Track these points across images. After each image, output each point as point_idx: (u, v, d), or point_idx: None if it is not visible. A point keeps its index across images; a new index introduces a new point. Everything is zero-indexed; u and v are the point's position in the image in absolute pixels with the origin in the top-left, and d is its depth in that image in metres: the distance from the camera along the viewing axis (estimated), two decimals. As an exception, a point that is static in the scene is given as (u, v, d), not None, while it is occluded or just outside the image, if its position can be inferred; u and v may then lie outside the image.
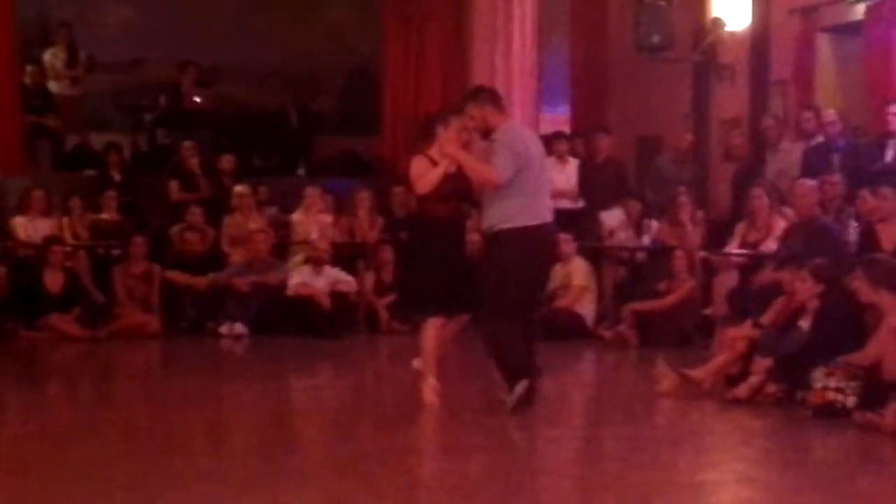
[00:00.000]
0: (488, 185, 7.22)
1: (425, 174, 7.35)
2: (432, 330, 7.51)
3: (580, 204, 12.48)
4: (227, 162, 13.36)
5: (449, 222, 7.45)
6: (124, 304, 11.56)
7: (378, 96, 16.46)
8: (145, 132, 15.66)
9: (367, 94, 16.96)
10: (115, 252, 12.14)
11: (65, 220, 12.33)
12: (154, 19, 16.76)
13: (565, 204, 12.51)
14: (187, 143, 13.54)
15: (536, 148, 7.48)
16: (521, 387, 7.21)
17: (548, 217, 7.40)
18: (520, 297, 7.31)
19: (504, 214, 7.24)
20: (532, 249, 7.30)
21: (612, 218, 11.95)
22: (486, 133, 7.37)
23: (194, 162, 13.22)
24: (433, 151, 7.41)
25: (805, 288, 7.70)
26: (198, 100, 15.15)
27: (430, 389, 7.52)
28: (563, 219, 12.13)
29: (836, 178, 9.87)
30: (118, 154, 13.61)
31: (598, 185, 12.20)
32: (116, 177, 13.27)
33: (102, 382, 9.60)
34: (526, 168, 7.23)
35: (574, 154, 12.86)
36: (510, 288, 7.27)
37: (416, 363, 7.81)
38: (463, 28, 15.78)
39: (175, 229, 12.42)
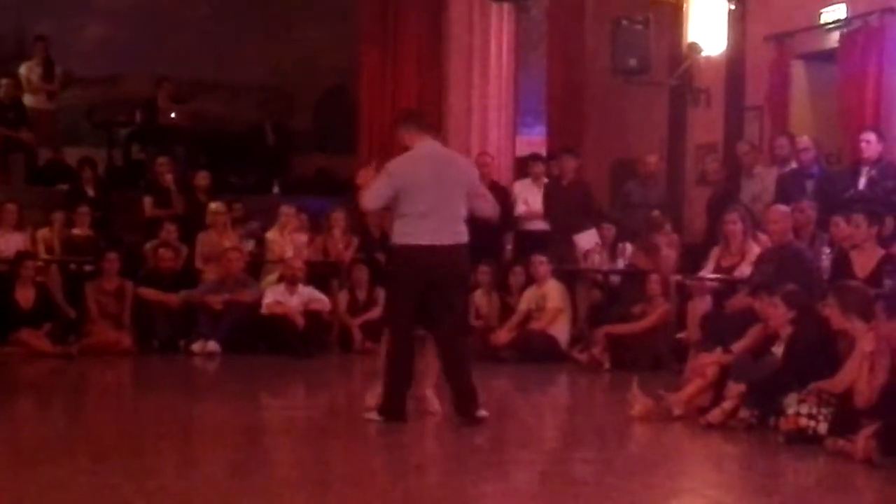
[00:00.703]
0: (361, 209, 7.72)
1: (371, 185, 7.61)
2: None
3: (543, 225, 12.52)
4: (202, 178, 13.34)
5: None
6: (96, 320, 11.50)
7: (354, 115, 16.47)
8: (120, 147, 15.61)
9: (343, 113, 16.97)
10: (88, 268, 12.09)
11: (43, 231, 12.28)
12: (130, 35, 16.75)
13: (540, 226, 12.56)
14: (162, 159, 13.52)
15: (436, 171, 7.47)
16: (374, 417, 7.56)
17: (447, 239, 7.43)
18: (406, 314, 7.48)
19: (397, 231, 7.51)
20: (419, 268, 7.41)
21: (585, 240, 11.97)
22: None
23: (169, 178, 13.19)
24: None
25: (777, 314, 7.73)
26: (173, 116, 15.13)
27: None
28: (539, 240, 12.22)
29: (809, 204, 9.92)
30: (92, 169, 13.57)
31: (566, 206, 12.22)
32: (90, 192, 13.23)
33: (73, 399, 9.53)
34: (412, 191, 7.37)
35: (549, 176, 12.89)
36: (396, 303, 7.57)
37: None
38: (439, 48, 15.81)
39: (148, 246, 12.38)
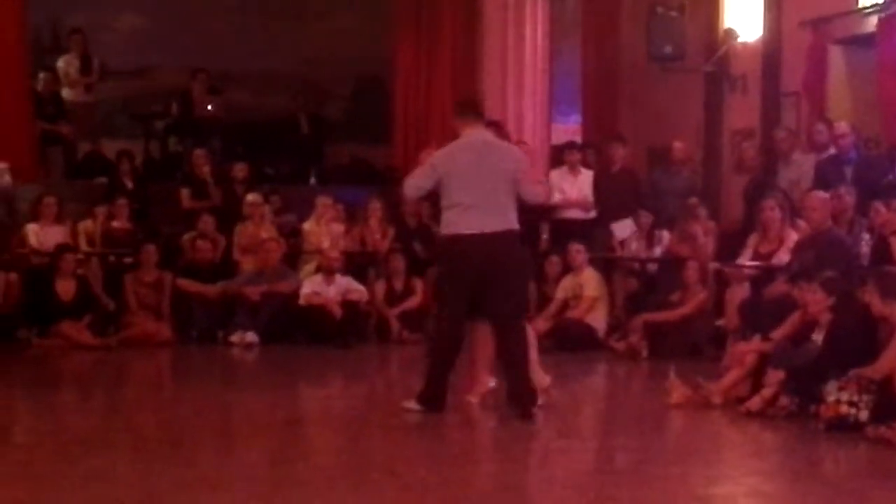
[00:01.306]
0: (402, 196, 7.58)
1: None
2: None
3: (592, 214, 12.48)
4: (239, 170, 13.38)
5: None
6: (135, 312, 11.57)
7: (388, 103, 16.48)
8: (157, 140, 15.68)
9: (378, 102, 16.98)
10: (127, 260, 12.16)
11: (85, 223, 12.36)
12: (165, 26, 16.80)
13: (576, 214, 12.52)
14: (199, 151, 13.58)
15: (479, 160, 7.43)
16: (414, 406, 7.54)
17: (496, 226, 7.33)
18: (455, 305, 7.44)
19: (444, 222, 7.53)
20: (467, 257, 7.35)
21: (622, 229, 11.94)
22: None
23: (206, 170, 13.24)
24: None
25: (816, 300, 7.69)
26: (209, 108, 15.18)
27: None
28: (575, 229, 12.19)
29: (848, 190, 9.85)
30: (130, 162, 13.62)
31: (612, 195, 12.18)
32: (128, 185, 13.29)
33: (113, 390, 9.60)
34: (454, 180, 7.37)
35: (585, 164, 12.84)
36: (446, 294, 7.55)
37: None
38: (474, 36, 15.78)
39: (186, 237, 12.44)
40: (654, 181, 12.61)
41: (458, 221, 7.36)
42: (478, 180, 7.35)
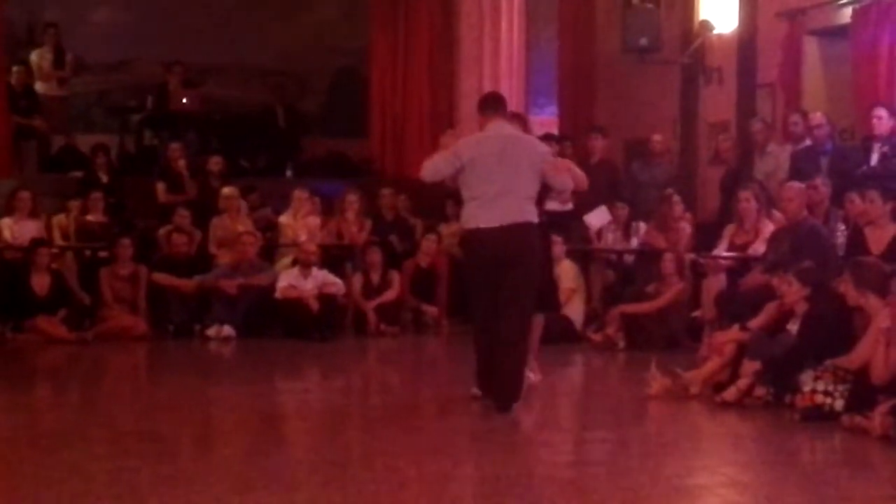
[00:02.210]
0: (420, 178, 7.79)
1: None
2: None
3: (569, 206, 12.44)
4: (214, 164, 13.36)
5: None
6: (111, 306, 11.52)
7: (365, 96, 16.45)
8: (132, 133, 15.62)
9: (355, 95, 16.95)
10: (102, 254, 12.10)
11: (59, 218, 12.31)
12: (141, 20, 16.74)
13: (553, 206, 12.49)
14: (174, 145, 13.53)
15: (501, 152, 7.51)
16: (477, 392, 7.68)
17: (515, 218, 7.45)
18: (481, 295, 7.54)
19: (466, 216, 7.66)
20: (489, 249, 7.46)
21: (596, 218, 11.92)
22: None
23: (181, 163, 13.20)
24: None
25: (791, 291, 7.72)
26: (185, 101, 15.12)
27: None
28: (552, 221, 12.17)
29: (823, 181, 9.89)
30: (105, 155, 13.56)
31: (591, 187, 12.11)
32: (103, 178, 13.23)
33: (89, 385, 9.55)
34: (475, 170, 7.48)
35: (563, 156, 12.81)
36: (472, 286, 7.68)
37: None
38: (450, 29, 15.77)
39: (162, 231, 12.39)
40: (633, 173, 12.63)
41: (478, 215, 7.49)
42: (499, 172, 7.45)
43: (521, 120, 8.37)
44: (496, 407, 7.41)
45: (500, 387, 7.46)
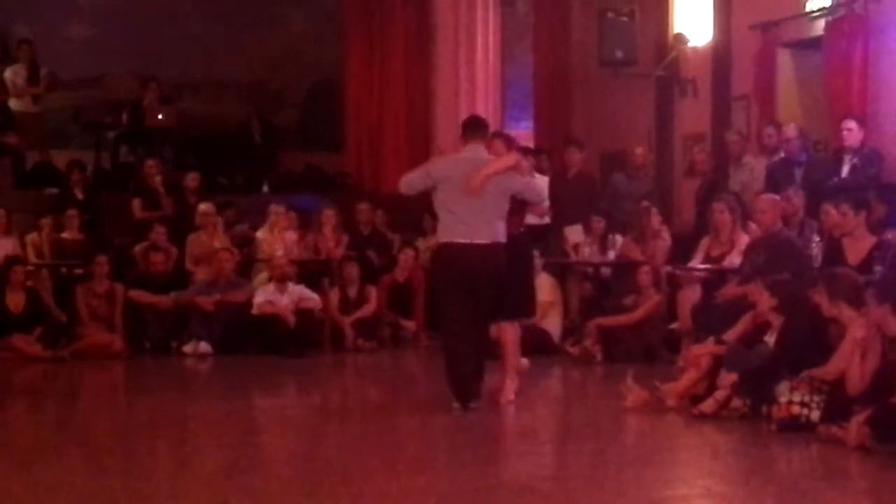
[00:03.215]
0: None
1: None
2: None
3: (546, 220, 12.48)
4: (191, 180, 13.33)
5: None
6: (87, 323, 11.46)
7: (341, 110, 16.44)
8: (108, 150, 15.56)
9: (331, 109, 16.95)
10: (78, 271, 12.04)
11: (32, 235, 12.25)
12: (115, 35, 16.69)
13: (531, 219, 12.51)
14: (150, 161, 13.50)
15: (465, 175, 7.90)
16: (456, 405, 7.91)
17: (482, 238, 7.86)
18: (451, 307, 7.96)
19: (439, 231, 8.17)
20: (457, 264, 7.90)
21: (574, 233, 11.96)
22: None
23: (157, 180, 13.16)
24: None
25: (762, 300, 7.76)
26: (161, 117, 15.09)
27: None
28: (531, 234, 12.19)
29: (796, 192, 9.94)
30: (81, 172, 13.53)
31: (568, 200, 12.16)
32: (79, 195, 13.19)
33: (65, 402, 9.51)
34: (446, 188, 7.94)
35: (539, 170, 12.85)
36: (441, 297, 8.16)
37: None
38: (426, 42, 15.80)
39: (138, 248, 12.34)
40: (614, 185, 12.64)
41: (450, 230, 7.96)
42: (461, 192, 7.88)
43: (504, 139, 8.74)
44: (459, 405, 7.85)
45: (462, 387, 7.91)
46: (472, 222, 7.86)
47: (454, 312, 7.95)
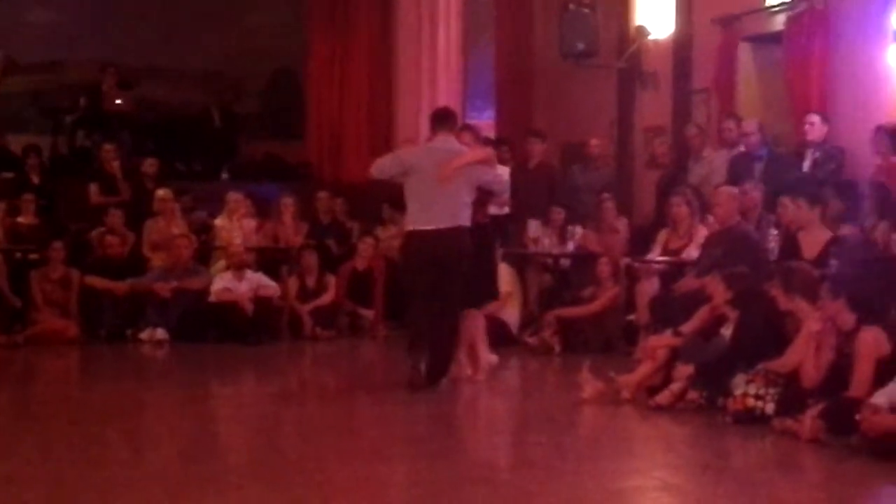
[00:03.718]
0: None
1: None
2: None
3: (506, 210, 12.48)
4: (149, 165, 13.23)
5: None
6: (42, 309, 11.36)
7: (302, 99, 16.38)
8: (65, 134, 15.42)
9: (291, 97, 16.89)
10: (33, 256, 11.92)
11: (-14, 221, 12.13)
12: (75, 20, 16.57)
13: (492, 210, 12.52)
14: (108, 146, 13.38)
15: (439, 162, 8.27)
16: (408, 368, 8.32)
17: (447, 222, 8.24)
18: (419, 291, 8.29)
19: (408, 219, 8.50)
20: (425, 250, 8.25)
21: (533, 227, 11.96)
22: None
23: (115, 165, 13.06)
24: None
25: (718, 292, 7.80)
26: (119, 102, 14.97)
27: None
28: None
29: (753, 186, 9.98)
30: (37, 156, 13.40)
31: (529, 191, 12.16)
32: (35, 180, 13.07)
33: (20, 389, 9.42)
34: (414, 175, 8.29)
35: (500, 161, 12.84)
36: (410, 282, 8.49)
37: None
38: (388, 31, 15.76)
39: (94, 233, 12.24)
40: (571, 177, 12.68)
41: (418, 218, 8.29)
42: (431, 180, 8.21)
43: (471, 130, 9.26)
44: (430, 387, 8.17)
45: (431, 367, 8.21)
46: (441, 210, 8.20)
47: (422, 298, 8.27)
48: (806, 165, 10.21)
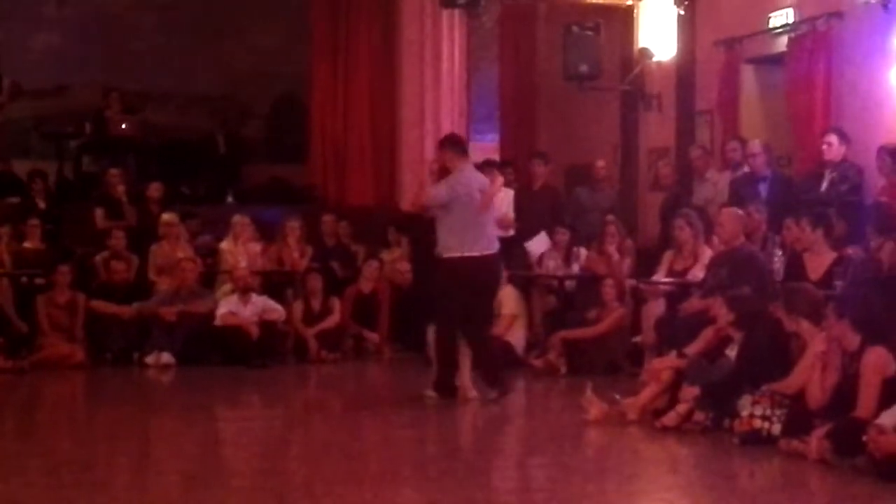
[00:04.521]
0: (419, 204, 9.20)
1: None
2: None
3: (511, 232, 12.49)
4: (154, 190, 13.24)
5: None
6: (48, 334, 11.36)
7: (306, 123, 16.42)
8: (70, 160, 15.46)
9: (296, 120, 16.91)
10: (39, 281, 11.92)
11: (-10, 247, 12.14)
12: (79, 45, 16.62)
13: (496, 232, 12.53)
14: (113, 171, 13.41)
15: (475, 190, 8.77)
16: (431, 394, 8.77)
17: (487, 249, 8.75)
18: (455, 313, 8.69)
19: (448, 245, 8.72)
20: (471, 276, 8.65)
21: (537, 245, 11.95)
22: (446, 173, 8.97)
23: (120, 189, 13.08)
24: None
25: (721, 314, 7.80)
26: (124, 127, 15.00)
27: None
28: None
29: (757, 208, 9.98)
30: (43, 181, 13.42)
31: (533, 213, 12.17)
32: (41, 204, 13.09)
33: (26, 414, 9.41)
34: (456, 205, 8.64)
35: (505, 183, 12.85)
36: (446, 305, 8.77)
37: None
38: (391, 54, 15.78)
39: (99, 258, 12.25)
40: (578, 199, 12.69)
41: (464, 244, 8.65)
42: (474, 208, 8.71)
43: (495, 165, 10.27)
44: (499, 393, 8.79)
45: (489, 377, 8.82)
46: (483, 236, 8.73)
47: (455, 321, 8.72)
48: (824, 185, 10.10)
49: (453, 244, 8.69)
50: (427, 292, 9.70)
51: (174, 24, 17.10)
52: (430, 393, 8.82)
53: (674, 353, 8.09)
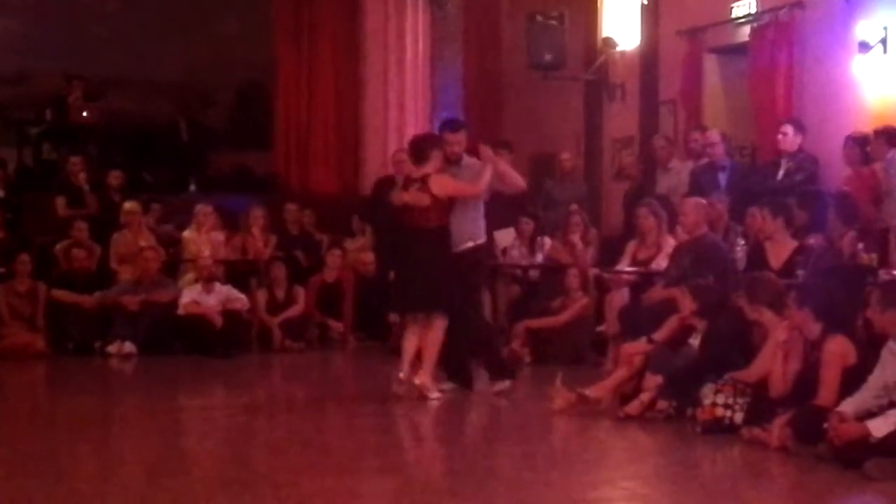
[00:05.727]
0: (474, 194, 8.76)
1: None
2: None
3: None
4: (115, 178, 13.17)
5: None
6: (8, 323, 11.29)
7: (270, 110, 16.36)
8: (31, 147, 15.33)
9: (260, 108, 16.85)
10: (-1, 270, 11.85)
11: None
12: (40, 31, 16.46)
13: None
14: (74, 159, 13.32)
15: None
16: (445, 386, 8.71)
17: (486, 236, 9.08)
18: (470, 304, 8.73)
19: (472, 232, 8.72)
20: (481, 263, 9.00)
21: (504, 238, 11.98)
22: (455, 159, 8.77)
23: (82, 177, 12.99)
24: (429, 168, 8.55)
25: (685, 304, 7.83)
26: (85, 114, 14.88)
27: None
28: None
29: (719, 198, 10.03)
30: (2, 169, 13.31)
31: (498, 202, 12.14)
32: (0, 193, 12.96)
33: (-15, 404, 9.35)
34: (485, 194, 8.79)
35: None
36: (476, 295, 8.96)
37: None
38: (355, 43, 15.75)
39: (59, 246, 12.15)
40: (548, 191, 12.71)
41: (482, 231, 8.83)
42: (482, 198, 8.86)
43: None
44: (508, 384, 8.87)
45: (492, 366, 8.97)
46: (486, 223, 8.94)
47: (469, 308, 8.69)
48: (780, 175, 10.21)
49: (476, 232, 8.75)
50: (388, 282, 9.75)
51: (136, 9, 16.98)
52: (445, 386, 8.71)
53: (644, 340, 8.10)
